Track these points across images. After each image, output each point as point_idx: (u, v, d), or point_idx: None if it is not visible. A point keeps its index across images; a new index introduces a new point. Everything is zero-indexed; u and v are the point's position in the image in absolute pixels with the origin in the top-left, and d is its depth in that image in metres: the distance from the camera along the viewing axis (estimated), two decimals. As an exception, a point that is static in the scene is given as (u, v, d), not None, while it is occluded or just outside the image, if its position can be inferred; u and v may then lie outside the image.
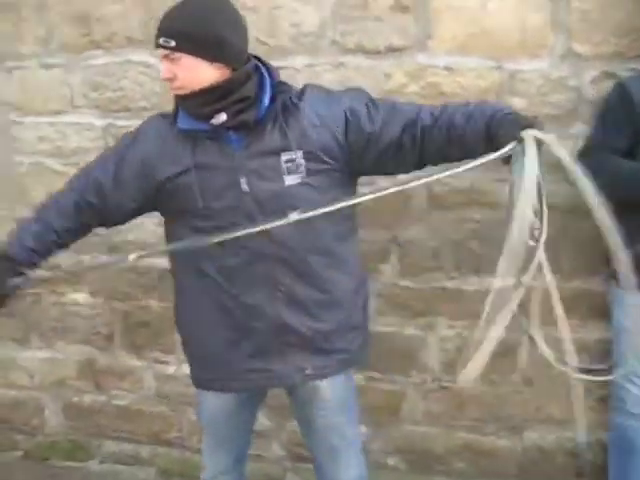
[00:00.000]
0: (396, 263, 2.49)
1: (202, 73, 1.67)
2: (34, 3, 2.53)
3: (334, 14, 2.32)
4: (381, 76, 2.33)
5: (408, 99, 2.29)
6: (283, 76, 2.32)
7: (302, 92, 1.78)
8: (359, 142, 1.74)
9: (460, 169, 1.54)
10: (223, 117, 1.68)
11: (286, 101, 1.74)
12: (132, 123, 2.52)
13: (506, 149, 1.53)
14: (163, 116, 1.84)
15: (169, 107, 2.45)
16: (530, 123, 1.55)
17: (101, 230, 2.64)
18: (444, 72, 2.29)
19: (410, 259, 2.47)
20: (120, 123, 2.56)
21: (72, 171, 2.63)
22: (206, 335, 1.85)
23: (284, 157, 1.71)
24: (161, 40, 1.67)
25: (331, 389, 1.89)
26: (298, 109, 1.74)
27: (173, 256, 1.88)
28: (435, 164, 1.79)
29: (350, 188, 1.83)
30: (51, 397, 2.94)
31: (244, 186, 1.71)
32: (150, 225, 2.49)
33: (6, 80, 2.63)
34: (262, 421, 2.72)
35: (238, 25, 1.73)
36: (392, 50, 2.31)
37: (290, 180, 1.71)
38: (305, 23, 2.35)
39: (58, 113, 2.62)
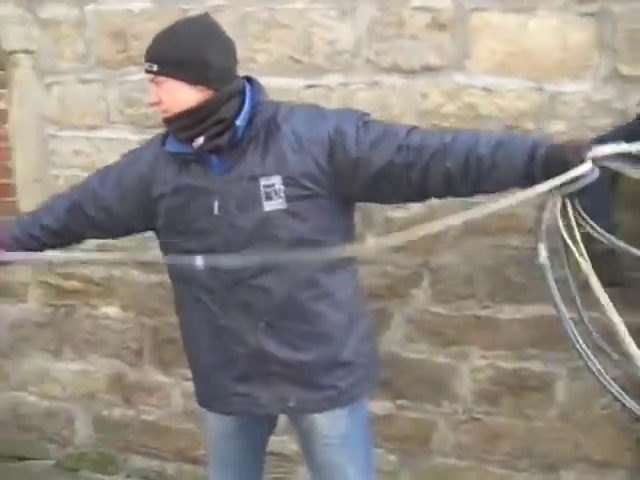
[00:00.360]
0: (428, 289, 2.41)
1: (184, 96, 1.66)
2: (74, 20, 2.57)
3: (369, 32, 2.27)
4: (416, 96, 2.27)
5: (444, 120, 2.24)
6: (316, 95, 2.33)
7: (288, 113, 1.72)
8: (345, 166, 1.65)
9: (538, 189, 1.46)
10: (200, 140, 1.67)
11: (269, 122, 1.69)
12: (166, 139, 2.55)
13: (582, 169, 1.44)
14: (155, 141, 1.85)
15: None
16: (587, 145, 1.50)
17: (126, 243, 2.69)
18: (481, 93, 2.21)
19: (442, 285, 2.39)
20: (154, 139, 2.56)
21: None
22: (199, 354, 1.86)
23: (263, 182, 1.66)
24: (146, 65, 1.70)
25: (329, 424, 1.81)
26: (279, 131, 1.68)
27: (172, 276, 1.88)
28: (439, 197, 1.71)
29: (342, 215, 1.75)
30: (82, 409, 2.95)
31: (215, 211, 1.68)
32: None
33: (46, 95, 2.67)
34: (288, 445, 2.67)
35: (222, 47, 1.71)
36: (428, 69, 2.24)
37: (269, 206, 1.66)
38: (340, 41, 2.30)
39: (94, 128, 2.64)
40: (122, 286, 2.77)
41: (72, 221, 1.88)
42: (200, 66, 1.64)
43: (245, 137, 1.68)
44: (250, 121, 1.68)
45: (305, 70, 2.35)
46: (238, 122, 1.67)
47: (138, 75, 2.52)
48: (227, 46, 1.73)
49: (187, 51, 1.65)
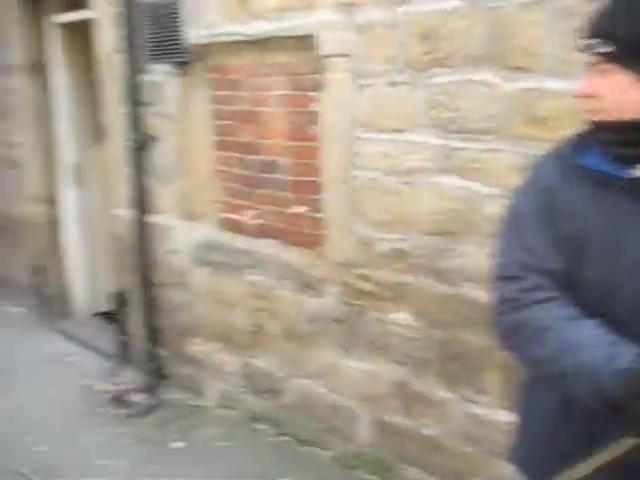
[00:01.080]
0: None
1: (636, 100, 1.24)
2: (387, 22, 2.56)
3: None
4: None
5: None
6: None
7: None
8: None
9: None
10: None
11: None
12: (468, 145, 2.41)
13: None
14: (556, 154, 1.39)
15: (510, 131, 2.28)
16: None
17: (422, 251, 2.62)
18: None
19: None
20: (456, 144, 2.45)
21: (404, 190, 2.64)
22: (538, 429, 1.45)
23: None
24: (591, 42, 1.25)
25: None
26: None
27: None
28: None
29: None
30: (364, 409, 2.98)
31: (631, 264, 1.26)
32: (481, 255, 2.35)
33: (357, 98, 2.71)
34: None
35: None
36: None
37: None
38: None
39: (399, 131, 2.61)
40: (415, 294, 2.70)
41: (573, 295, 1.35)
42: None
43: None
44: None
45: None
46: None
47: (442, 78, 2.43)
48: None
49: None
